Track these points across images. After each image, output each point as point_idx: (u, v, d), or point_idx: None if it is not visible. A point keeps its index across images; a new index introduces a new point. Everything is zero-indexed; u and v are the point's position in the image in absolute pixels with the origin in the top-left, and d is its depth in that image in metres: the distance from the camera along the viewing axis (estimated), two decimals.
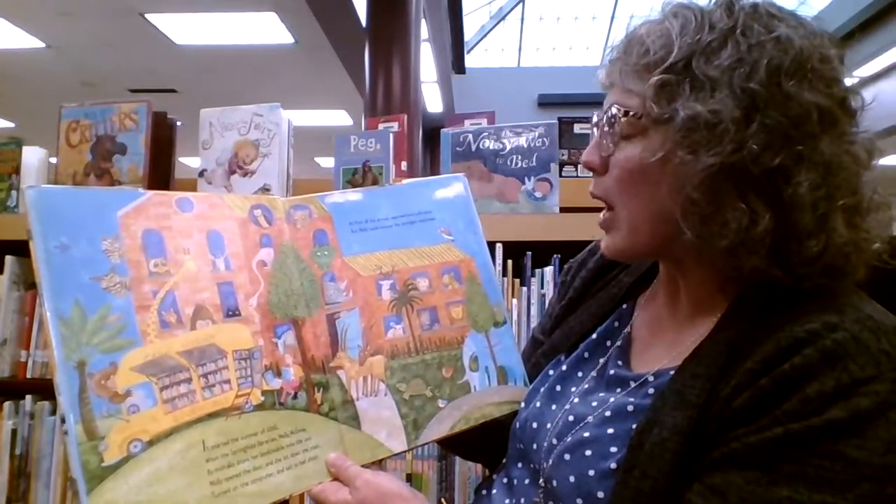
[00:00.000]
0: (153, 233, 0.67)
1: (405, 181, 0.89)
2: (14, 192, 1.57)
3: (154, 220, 0.67)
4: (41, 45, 6.30)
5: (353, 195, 0.81)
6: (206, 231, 0.70)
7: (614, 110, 0.66)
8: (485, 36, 11.17)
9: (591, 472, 0.62)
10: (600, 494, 0.61)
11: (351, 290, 0.77)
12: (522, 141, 1.44)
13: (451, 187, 0.87)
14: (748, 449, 0.55)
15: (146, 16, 5.76)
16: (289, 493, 0.67)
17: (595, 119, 0.70)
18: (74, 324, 0.60)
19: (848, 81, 0.63)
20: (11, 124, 8.72)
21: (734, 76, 0.59)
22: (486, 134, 1.47)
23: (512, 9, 9.98)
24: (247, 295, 0.71)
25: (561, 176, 1.53)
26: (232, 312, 0.69)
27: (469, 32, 10.41)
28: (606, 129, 0.67)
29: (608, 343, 0.76)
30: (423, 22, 5.82)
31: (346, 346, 0.75)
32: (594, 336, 0.77)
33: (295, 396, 0.70)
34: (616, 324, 0.77)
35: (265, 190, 1.45)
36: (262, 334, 0.70)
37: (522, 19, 9.98)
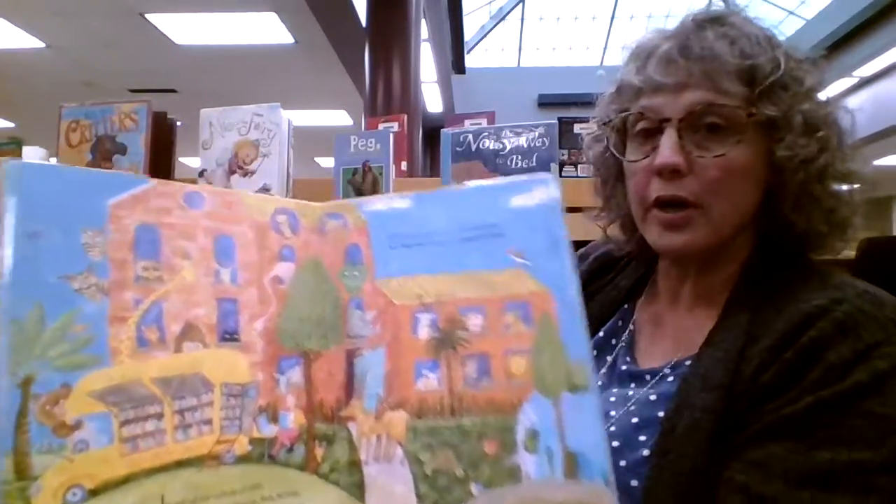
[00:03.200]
0: (149, 229, 0.57)
1: (472, 183, 0.69)
2: None
3: (153, 213, 0.57)
4: (41, 45, 6.30)
5: (401, 202, 0.65)
6: (214, 234, 0.60)
7: (705, 110, 0.66)
8: (485, 36, 11.18)
9: (623, 463, 0.64)
10: (634, 483, 0.63)
11: (380, 322, 0.62)
12: (522, 141, 1.44)
13: (534, 192, 0.65)
14: (783, 420, 0.58)
15: (146, 16, 5.75)
16: None
17: (670, 117, 0.68)
18: (28, 330, 0.49)
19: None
20: (11, 124, 8.72)
21: (812, 87, 0.69)
22: (486, 134, 1.47)
23: (512, 9, 9.96)
24: (252, 316, 0.59)
25: (561, 176, 1.52)
26: (229, 336, 0.57)
27: (469, 32, 10.41)
28: (694, 127, 0.67)
29: (613, 341, 0.78)
30: (423, 22, 5.82)
31: (362, 392, 0.61)
32: (601, 334, 0.79)
33: (290, 449, 0.58)
34: (619, 323, 0.79)
35: (265, 190, 1.45)
36: (262, 367, 0.58)
37: (522, 19, 9.97)
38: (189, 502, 0.52)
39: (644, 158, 0.70)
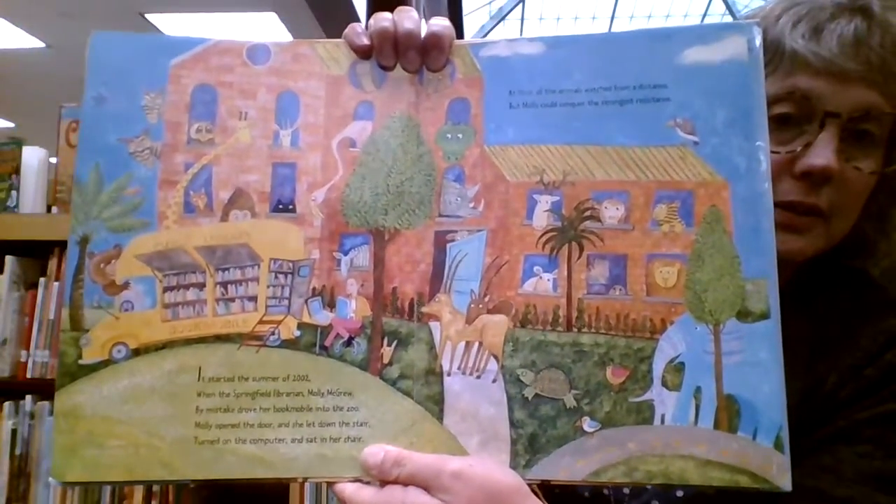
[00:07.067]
0: (206, 89, 0.52)
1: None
2: (14, 192, 1.56)
3: (213, 72, 0.52)
4: (41, 45, 6.29)
5: (530, 47, 0.50)
6: (278, 91, 0.52)
7: (873, 113, 0.57)
8: (485, 36, 11.18)
9: (680, 494, 0.61)
10: (679, 493, 0.61)
11: (484, 200, 0.49)
12: None
13: (723, 43, 0.47)
14: (857, 425, 0.55)
15: (146, 16, 5.75)
16: (302, 474, 0.47)
17: (838, 112, 0.56)
18: (89, 192, 0.50)
19: None
20: (11, 124, 8.71)
21: None
22: None
23: (512, 9, 9.95)
24: (312, 185, 0.50)
25: None
26: (283, 206, 0.50)
27: (469, 32, 10.40)
28: (850, 130, 0.57)
29: None
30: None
31: (452, 286, 0.49)
32: None
33: (349, 343, 0.49)
34: None
35: None
36: (320, 244, 0.50)
37: (522, 19, 9.96)
38: (226, 380, 0.48)
39: (782, 151, 0.57)
